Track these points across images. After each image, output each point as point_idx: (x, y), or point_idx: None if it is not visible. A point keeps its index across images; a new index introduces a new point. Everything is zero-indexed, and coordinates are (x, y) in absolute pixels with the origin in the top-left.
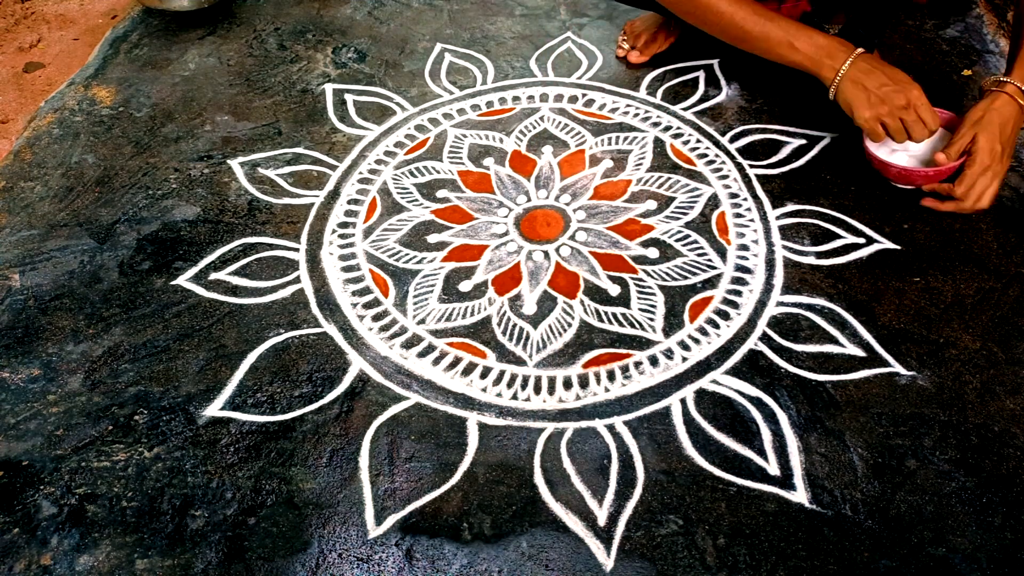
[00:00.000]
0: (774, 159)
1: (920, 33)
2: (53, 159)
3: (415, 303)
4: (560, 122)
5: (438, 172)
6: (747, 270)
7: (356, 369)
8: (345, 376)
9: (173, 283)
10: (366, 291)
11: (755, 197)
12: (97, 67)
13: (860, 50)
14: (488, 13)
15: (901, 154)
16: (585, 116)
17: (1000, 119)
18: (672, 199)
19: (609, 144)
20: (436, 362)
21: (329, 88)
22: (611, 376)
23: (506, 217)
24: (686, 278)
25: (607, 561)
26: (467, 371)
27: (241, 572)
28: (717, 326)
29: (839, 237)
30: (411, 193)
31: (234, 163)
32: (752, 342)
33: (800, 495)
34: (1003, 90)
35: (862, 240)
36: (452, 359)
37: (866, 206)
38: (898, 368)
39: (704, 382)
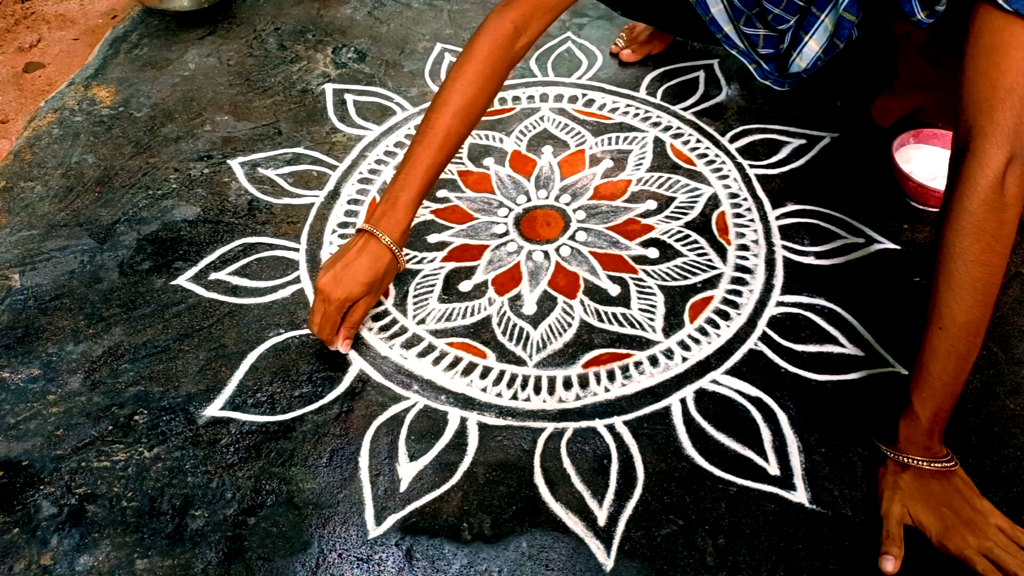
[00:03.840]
0: (774, 159)
1: None
2: (53, 159)
3: (415, 303)
4: (560, 122)
5: None
6: (747, 270)
7: (356, 369)
8: (345, 376)
9: (173, 283)
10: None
11: (755, 197)
12: (97, 67)
13: (374, 235)
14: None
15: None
16: (585, 116)
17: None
18: (672, 199)
19: (609, 144)
20: (436, 362)
21: (329, 88)
22: (611, 376)
23: (506, 217)
24: (686, 278)
25: (607, 561)
26: (467, 371)
27: (241, 572)
28: (717, 326)
29: (839, 237)
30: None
31: (234, 163)
32: (752, 342)
33: (800, 495)
34: (903, 455)
35: (862, 240)
36: (452, 359)
37: (866, 206)
38: (898, 368)
39: (704, 382)
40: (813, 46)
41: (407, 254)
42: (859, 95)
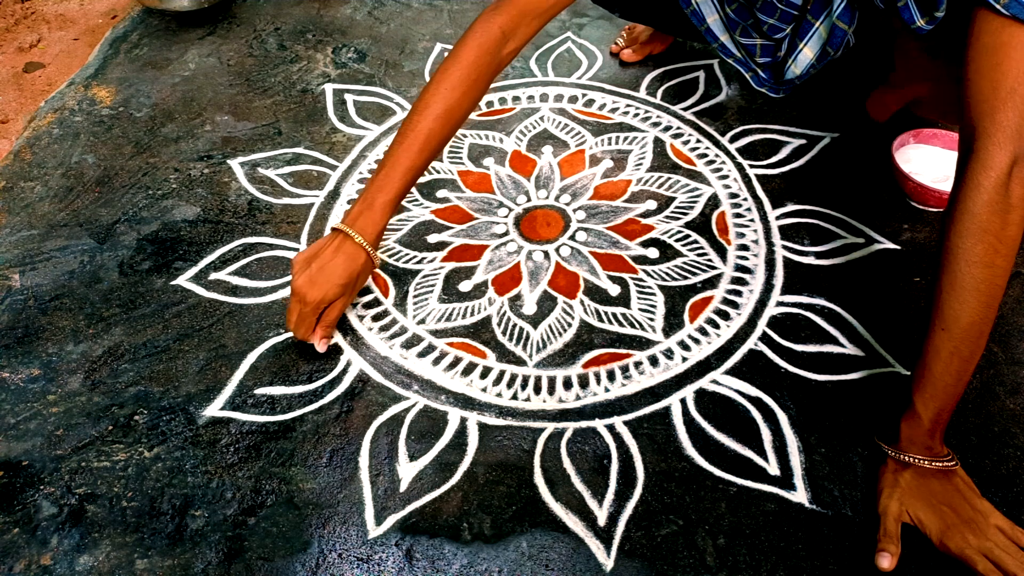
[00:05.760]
0: (774, 159)
1: None
2: (53, 159)
3: (415, 303)
4: (560, 122)
5: (438, 172)
6: (747, 270)
7: (356, 369)
8: (345, 376)
9: (173, 283)
10: (366, 291)
11: (755, 197)
12: (97, 67)
13: (349, 235)
14: None
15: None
16: (585, 116)
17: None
18: (672, 199)
19: (609, 144)
20: (436, 362)
21: (329, 88)
22: (611, 376)
23: (506, 217)
24: (686, 278)
25: (607, 561)
26: (467, 371)
27: (241, 572)
28: (717, 326)
29: (839, 237)
30: (411, 193)
31: (234, 163)
32: (752, 342)
33: (800, 495)
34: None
35: (862, 240)
36: (452, 359)
37: (866, 206)
38: (898, 368)
39: (704, 382)
40: (808, 53)
41: (407, 254)
42: (856, 91)
